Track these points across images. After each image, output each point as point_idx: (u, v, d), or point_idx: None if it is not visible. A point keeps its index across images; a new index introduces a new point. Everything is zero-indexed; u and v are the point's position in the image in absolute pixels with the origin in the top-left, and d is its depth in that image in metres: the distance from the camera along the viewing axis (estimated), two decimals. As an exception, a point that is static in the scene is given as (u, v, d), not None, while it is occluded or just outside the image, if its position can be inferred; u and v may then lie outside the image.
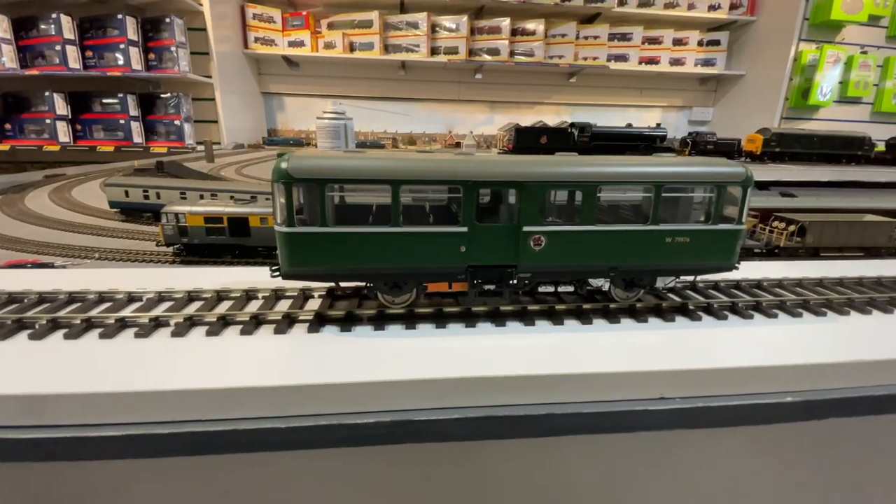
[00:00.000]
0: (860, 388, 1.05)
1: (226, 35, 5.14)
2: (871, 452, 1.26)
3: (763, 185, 3.52)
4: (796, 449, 1.21)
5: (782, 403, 1.02)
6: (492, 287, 1.12)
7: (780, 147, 4.33)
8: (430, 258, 1.06)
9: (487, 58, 5.64)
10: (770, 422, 1.05)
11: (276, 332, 1.05)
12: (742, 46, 6.22)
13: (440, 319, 1.12)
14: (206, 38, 4.84)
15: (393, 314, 1.12)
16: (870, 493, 1.32)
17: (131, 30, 4.55)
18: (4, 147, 4.64)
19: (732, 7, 6.02)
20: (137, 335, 1.01)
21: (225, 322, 1.07)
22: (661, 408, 0.98)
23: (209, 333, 1.02)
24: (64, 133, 4.78)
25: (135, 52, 4.60)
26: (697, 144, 4.53)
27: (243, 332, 1.04)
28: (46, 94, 4.61)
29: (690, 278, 1.34)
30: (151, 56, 4.75)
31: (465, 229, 1.05)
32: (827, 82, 5.71)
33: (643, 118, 6.53)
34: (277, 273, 1.07)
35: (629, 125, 4.80)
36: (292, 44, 5.51)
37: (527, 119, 5.42)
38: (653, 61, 6.09)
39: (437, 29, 5.57)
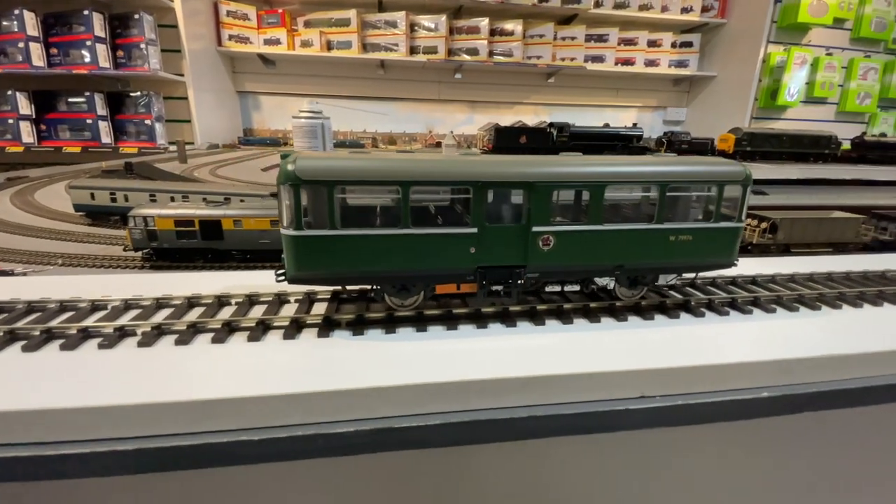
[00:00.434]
0: (833, 382, 1.07)
1: (198, 32, 5.01)
2: (845, 444, 1.29)
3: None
4: (773, 443, 1.23)
5: (759, 399, 1.04)
6: (499, 288, 1.11)
7: (752, 146, 4.44)
8: (440, 260, 1.05)
9: (467, 58, 5.64)
10: (747, 417, 1.06)
11: (250, 339, 1.01)
12: (713, 48, 6.39)
13: (421, 323, 1.10)
14: (178, 36, 4.71)
15: (381, 318, 1.10)
16: (843, 484, 1.36)
17: (98, 26, 4.38)
18: (-38, 148, 4.42)
19: (704, 10, 6.17)
20: (101, 346, 0.96)
21: (196, 330, 1.03)
22: (642, 406, 0.98)
23: (178, 342, 0.98)
24: (27, 133, 4.58)
25: (102, 50, 4.44)
26: (672, 144, 4.62)
27: (214, 341, 0.99)
28: (9, 92, 4.40)
29: (673, 276, 1.36)
30: (120, 53, 4.59)
31: (474, 230, 1.04)
32: (794, 83, 5.91)
33: (620, 118, 6.64)
34: (283, 277, 1.04)
35: (606, 125, 4.86)
36: (268, 42, 5.40)
37: (506, 119, 5.44)
38: (628, 62, 6.20)
39: (416, 28, 5.54)
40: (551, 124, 4.49)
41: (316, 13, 5.40)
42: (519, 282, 1.11)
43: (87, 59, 4.40)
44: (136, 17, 4.48)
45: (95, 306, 1.13)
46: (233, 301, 1.17)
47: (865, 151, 4.84)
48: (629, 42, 6.15)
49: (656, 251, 1.15)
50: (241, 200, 1.85)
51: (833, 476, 1.34)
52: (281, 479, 0.98)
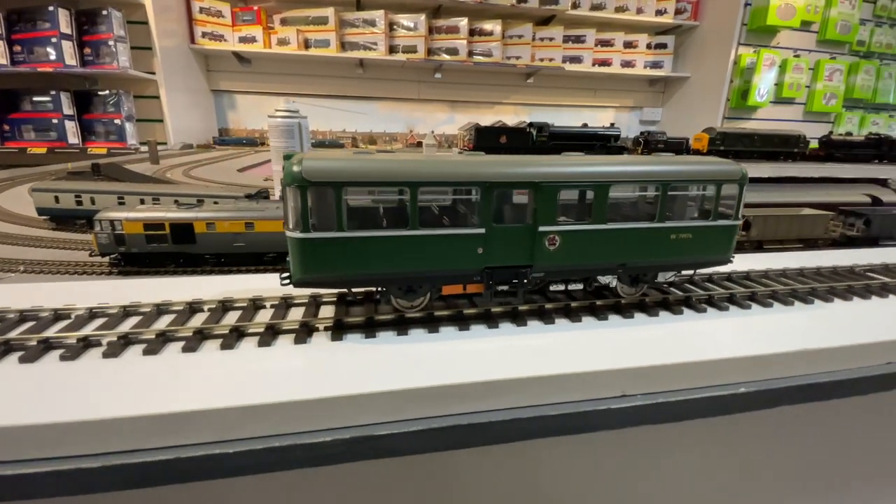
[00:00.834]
0: (806, 377, 1.09)
1: (170, 29, 4.87)
2: (818, 437, 1.33)
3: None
4: (751, 437, 1.25)
5: (736, 394, 1.05)
6: (505, 288, 1.11)
7: (725, 145, 4.55)
8: (448, 260, 1.04)
9: (446, 57, 5.63)
10: (726, 413, 1.08)
11: (223, 346, 0.97)
12: (687, 50, 6.53)
13: (402, 326, 1.08)
14: (149, 32, 4.56)
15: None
16: (817, 474, 1.40)
17: (64, 22, 4.22)
18: (-82, 149, 4.20)
19: (678, 12, 6.31)
20: (63, 358, 0.91)
21: (166, 339, 0.99)
22: (624, 405, 0.99)
23: (146, 353, 0.94)
24: (-12, 134, 4.38)
25: (68, 47, 4.27)
26: (649, 143, 4.69)
27: (185, 350, 0.95)
28: (-31, 92, 4.22)
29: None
30: (87, 51, 4.43)
31: (482, 231, 1.04)
32: (764, 84, 6.10)
33: (597, 118, 6.73)
34: (288, 281, 1.02)
35: (585, 125, 4.92)
36: (243, 39, 5.28)
37: (486, 118, 5.46)
38: (605, 63, 6.28)
39: (395, 27, 5.50)
40: (531, 124, 4.51)
41: (292, 11, 5.31)
42: (524, 281, 1.12)
43: (53, 57, 4.23)
44: (104, 13, 4.33)
45: (58, 315, 1.08)
46: (205, 307, 1.13)
47: (832, 150, 5.01)
48: (606, 43, 6.24)
49: (658, 249, 1.18)
50: (215, 202, 1.79)
51: (807, 467, 1.38)
52: (264, 491, 0.95)
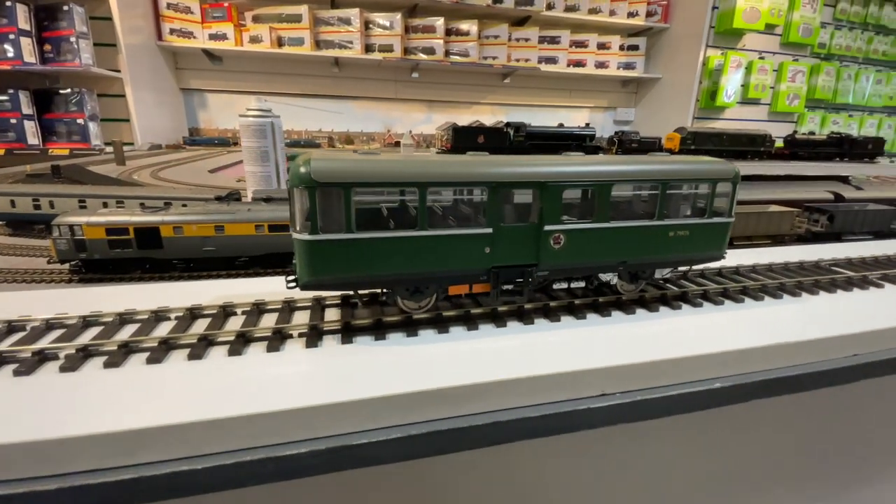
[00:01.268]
0: (776, 370, 1.12)
1: (136, 25, 4.69)
2: (789, 428, 1.36)
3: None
4: (727, 431, 1.28)
5: (712, 390, 1.07)
6: (510, 287, 1.12)
7: (695, 144, 4.67)
8: (456, 260, 1.05)
9: (423, 57, 5.60)
10: (702, 408, 1.09)
11: (191, 357, 0.93)
12: (658, 51, 6.68)
13: (380, 331, 1.06)
14: (113, 29, 4.39)
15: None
16: (788, 464, 1.44)
17: (22, 18, 4.02)
18: None
19: (648, 14, 6.45)
20: (17, 373, 0.86)
21: (128, 350, 0.94)
22: (603, 405, 0.99)
23: (107, 365, 0.89)
24: (-59, 135, 4.13)
25: (27, 43, 4.07)
26: (623, 143, 4.78)
27: (149, 361, 0.91)
28: (-82, 90, 3.97)
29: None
30: (47, 48, 4.23)
31: (489, 230, 1.05)
32: (731, 85, 6.29)
33: (573, 118, 6.82)
34: (294, 284, 1.00)
35: (561, 125, 4.97)
36: (213, 37, 5.13)
37: (464, 118, 5.45)
38: (580, 64, 6.37)
39: (371, 26, 5.45)
40: (508, 124, 4.53)
41: (265, 8, 5.19)
42: (530, 280, 1.13)
43: (11, 54, 4.03)
44: (66, 8, 4.14)
45: (12, 327, 1.01)
46: (172, 316, 1.08)
47: (796, 149, 5.21)
48: (580, 44, 6.33)
49: (657, 246, 1.21)
50: (184, 205, 1.72)
51: (779, 457, 1.42)
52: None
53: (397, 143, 5.93)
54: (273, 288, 1.28)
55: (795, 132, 5.90)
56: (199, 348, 0.94)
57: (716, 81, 6.25)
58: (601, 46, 6.42)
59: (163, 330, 1.02)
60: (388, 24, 5.42)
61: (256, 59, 5.40)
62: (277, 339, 0.99)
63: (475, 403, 0.90)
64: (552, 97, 6.71)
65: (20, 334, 0.99)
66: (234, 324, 1.06)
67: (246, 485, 0.77)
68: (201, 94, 5.58)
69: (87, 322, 1.03)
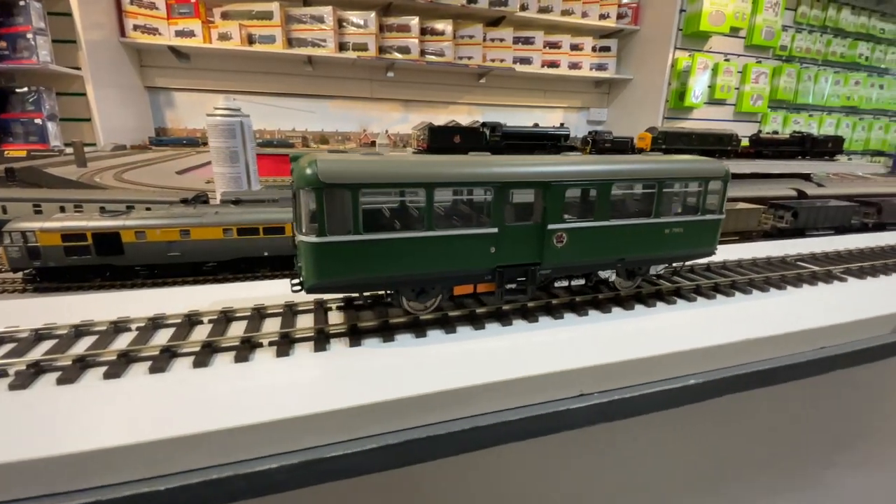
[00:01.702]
0: (748, 365, 1.14)
1: (97, 21, 4.50)
2: (762, 421, 1.40)
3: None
4: (702, 426, 1.30)
5: (687, 386, 1.08)
6: (513, 286, 1.13)
7: (666, 144, 4.78)
8: (463, 260, 1.05)
9: (398, 56, 5.56)
10: (679, 404, 1.10)
11: (152, 370, 0.88)
12: (629, 53, 6.83)
13: (357, 336, 1.03)
14: (73, 24, 4.20)
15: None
16: (761, 457, 1.47)
17: (-28, 13, 3.80)
18: None
19: (619, 17, 6.58)
20: (-42, 392, 0.79)
21: (85, 365, 0.88)
22: (582, 405, 0.99)
23: (61, 381, 0.83)
24: None
25: (-22, 40, 3.85)
26: (597, 143, 4.85)
27: (107, 376, 0.85)
28: None
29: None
30: (2, 45, 4.03)
31: (495, 230, 1.06)
32: (698, 86, 6.48)
33: (548, 118, 6.90)
34: (299, 287, 0.99)
35: (536, 125, 5.00)
36: (180, 33, 4.97)
37: (441, 118, 5.43)
38: (554, 65, 6.45)
39: (345, 24, 5.37)
40: (484, 124, 4.54)
41: (234, 4, 5.05)
42: (533, 279, 1.14)
43: (-37, 52, 3.81)
44: (22, 3, 3.94)
45: (-46, 343, 0.94)
46: (133, 326, 1.02)
47: (761, 147, 5.39)
48: (554, 45, 6.40)
49: (654, 243, 1.25)
50: (147, 208, 1.65)
51: (752, 450, 1.45)
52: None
53: (373, 143, 5.87)
54: (244, 294, 1.23)
55: (760, 131, 6.11)
56: (162, 360, 0.89)
57: (684, 82, 6.42)
58: (574, 47, 6.51)
59: (123, 342, 0.96)
60: (361, 22, 5.36)
61: (226, 56, 5.25)
62: (246, 349, 0.95)
63: (457, 408, 0.88)
64: (527, 97, 6.77)
65: (-36, 350, 0.93)
66: (200, 333, 1.01)
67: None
68: (168, 93, 5.40)
69: (39, 335, 0.97)
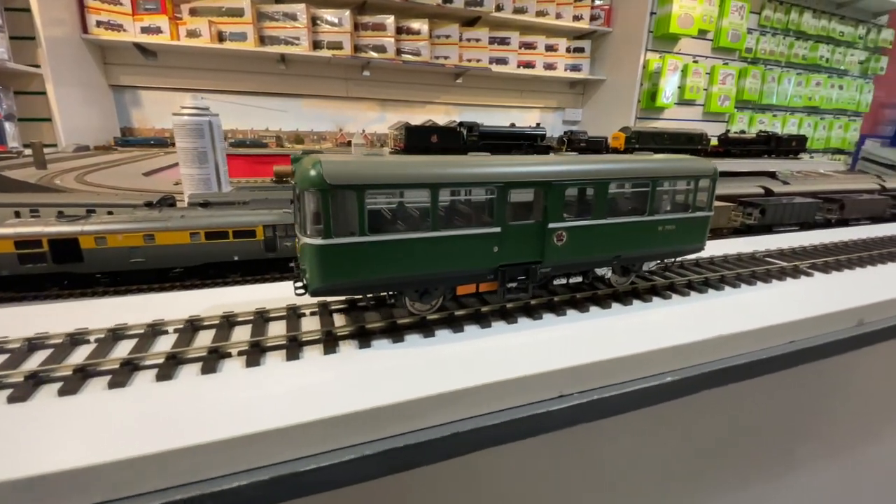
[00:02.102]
0: (721, 361, 1.16)
1: (57, 17, 4.30)
2: (736, 416, 1.43)
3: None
4: (678, 423, 1.31)
5: (664, 384, 1.09)
6: (514, 285, 1.15)
7: (639, 143, 4.88)
8: (465, 260, 1.06)
9: (374, 55, 5.50)
10: (656, 402, 1.11)
11: (112, 385, 0.83)
12: (602, 54, 6.94)
13: (332, 342, 1.00)
14: (32, 20, 4.00)
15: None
16: (736, 451, 1.50)
17: (-84, 6, 3.58)
18: None
19: (592, 18, 6.68)
20: None
21: (37, 381, 0.82)
22: (562, 406, 0.98)
23: (12, 400, 0.77)
24: None
25: (-76, 34, 3.63)
26: (572, 142, 4.91)
27: (62, 393, 0.80)
28: None
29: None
30: (-46, 41, 3.80)
31: (498, 230, 1.07)
32: (669, 87, 6.64)
33: (524, 118, 6.95)
34: (303, 290, 0.98)
35: (513, 125, 5.04)
36: (146, 30, 4.79)
37: (417, 118, 5.40)
38: (529, 65, 6.50)
39: (318, 22, 5.28)
40: (461, 124, 4.53)
41: (203, 0, 4.91)
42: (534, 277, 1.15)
43: None
44: (-27, -4, 3.73)
45: None
46: (91, 338, 0.96)
47: (729, 146, 5.56)
48: (529, 46, 6.46)
49: (648, 240, 1.29)
50: (109, 212, 1.57)
51: (728, 444, 1.48)
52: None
53: (349, 143, 5.80)
54: (212, 301, 1.18)
55: (728, 131, 6.30)
56: (122, 375, 0.84)
57: (655, 83, 6.57)
58: (549, 48, 6.58)
59: (79, 356, 0.90)
60: (336, 20, 5.28)
61: (195, 54, 5.10)
62: (214, 359, 0.91)
63: (439, 413, 0.86)
64: (504, 97, 6.80)
65: None
66: (164, 344, 0.96)
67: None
68: (134, 92, 5.20)
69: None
